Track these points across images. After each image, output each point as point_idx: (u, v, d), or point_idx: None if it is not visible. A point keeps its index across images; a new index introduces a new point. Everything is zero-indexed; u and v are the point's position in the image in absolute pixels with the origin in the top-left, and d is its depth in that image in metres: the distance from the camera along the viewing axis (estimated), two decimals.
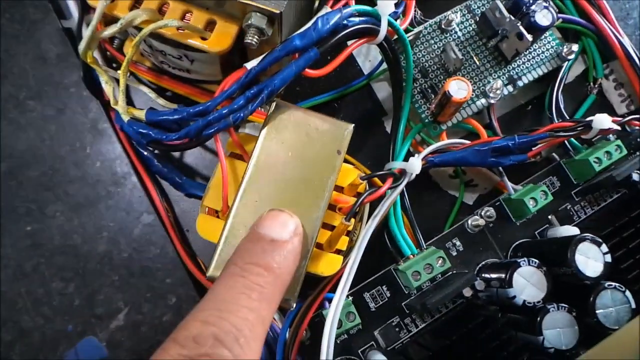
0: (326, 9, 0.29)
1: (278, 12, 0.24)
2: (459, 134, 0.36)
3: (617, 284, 0.26)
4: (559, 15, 0.36)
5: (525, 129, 0.32)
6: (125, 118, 0.26)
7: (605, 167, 0.31)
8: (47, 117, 0.34)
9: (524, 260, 0.26)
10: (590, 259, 0.26)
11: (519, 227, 0.31)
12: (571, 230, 0.29)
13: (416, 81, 0.33)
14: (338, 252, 0.26)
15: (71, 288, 0.32)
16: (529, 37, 0.30)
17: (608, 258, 0.26)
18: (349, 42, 0.27)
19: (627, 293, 0.26)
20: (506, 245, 0.31)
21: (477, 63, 0.34)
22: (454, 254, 0.31)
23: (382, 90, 0.36)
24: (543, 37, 0.35)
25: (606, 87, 0.37)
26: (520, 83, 0.34)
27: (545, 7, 0.31)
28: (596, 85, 0.37)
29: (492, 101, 0.33)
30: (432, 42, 0.34)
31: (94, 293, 0.32)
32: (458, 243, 0.31)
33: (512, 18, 0.31)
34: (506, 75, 0.34)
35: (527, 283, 0.26)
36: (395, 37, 0.30)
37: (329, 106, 0.36)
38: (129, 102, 0.34)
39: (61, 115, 0.34)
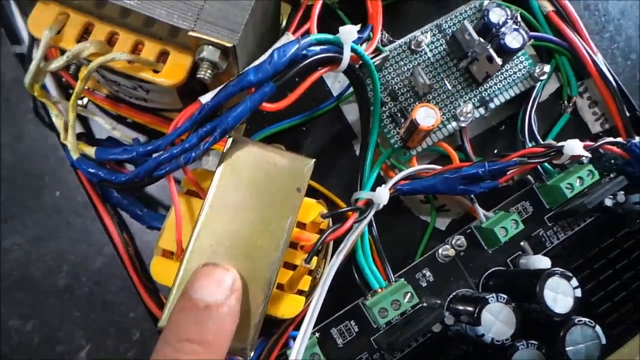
0: (287, 36, 0.28)
1: (231, 45, 0.23)
2: (431, 157, 0.35)
3: (587, 320, 0.25)
4: (531, 34, 0.35)
5: (496, 154, 0.31)
6: (75, 155, 0.25)
7: (578, 192, 0.30)
8: (4, 144, 0.32)
9: (492, 297, 0.26)
10: (560, 294, 0.25)
11: (491, 255, 0.31)
12: (542, 261, 0.29)
13: (385, 105, 0.32)
14: (300, 292, 0.26)
15: (30, 326, 0.31)
16: (499, 61, 0.30)
17: (578, 293, 0.25)
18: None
19: (597, 328, 0.25)
20: (478, 273, 0.30)
21: (448, 85, 0.33)
22: (424, 285, 0.30)
23: (352, 112, 0.35)
24: (515, 57, 0.34)
25: (580, 105, 0.37)
26: (492, 105, 0.33)
27: (516, 30, 0.30)
28: (570, 104, 0.36)
29: (463, 124, 0.32)
30: (402, 63, 0.33)
31: (54, 330, 0.31)
32: (428, 273, 0.30)
33: (482, 40, 0.30)
34: (477, 97, 0.33)
35: (496, 320, 0.25)
36: (361, 62, 0.29)
37: (297, 130, 0.34)
38: (89, 131, 0.32)
39: (18, 142, 0.33)
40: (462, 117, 0.32)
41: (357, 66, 0.28)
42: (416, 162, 0.32)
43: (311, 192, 0.33)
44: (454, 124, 0.32)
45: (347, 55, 0.26)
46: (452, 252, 0.30)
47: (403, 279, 0.29)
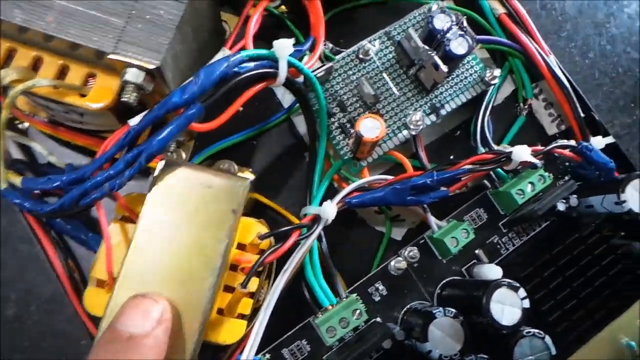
0: (223, 52, 0.27)
1: (154, 67, 0.22)
2: (385, 167, 0.34)
3: (536, 331, 0.25)
4: (482, 37, 0.35)
5: (451, 161, 0.30)
6: (3, 185, 0.24)
7: (530, 198, 0.30)
8: None
9: (440, 311, 0.25)
10: (507, 306, 0.25)
11: (445, 265, 0.30)
12: (493, 270, 0.28)
13: (334, 115, 0.32)
14: (242, 316, 0.25)
15: None
16: (444, 68, 0.29)
17: (526, 303, 0.25)
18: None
19: (547, 339, 0.25)
20: (433, 284, 0.30)
21: (397, 93, 0.32)
22: (378, 299, 0.29)
23: (304, 124, 0.34)
24: (466, 61, 0.33)
25: (536, 107, 0.36)
26: (443, 112, 0.32)
27: (461, 35, 0.30)
28: (526, 106, 0.36)
29: (414, 133, 0.32)
30: (350, 73, 0.32)
31: None
32: (381, 287, 0.29)
33: (427, 48, 0.30)
34: (428, 104, 0.32)
35: (444, 336, 0.25)
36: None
37: (247, 145, 0.34)
38: (32, 157, 0.32)
39: None
40: (412, 126, 0.31)
41: (299, 79, 0.28)
42: (368, 172, 0.32)
43: (262, 209, 0.32)
44: (405, 132, 0.32)
45: (283, 70, 0.25)
46: (404, 265, 0.29)
47: (355, 295, 0.29)
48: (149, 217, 0.23)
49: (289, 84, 0.27)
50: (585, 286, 0.26)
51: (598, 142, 0.33)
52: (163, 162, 0.24)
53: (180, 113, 0.22)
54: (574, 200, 0.30)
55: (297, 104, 0.34)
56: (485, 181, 0.33)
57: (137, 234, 0.23)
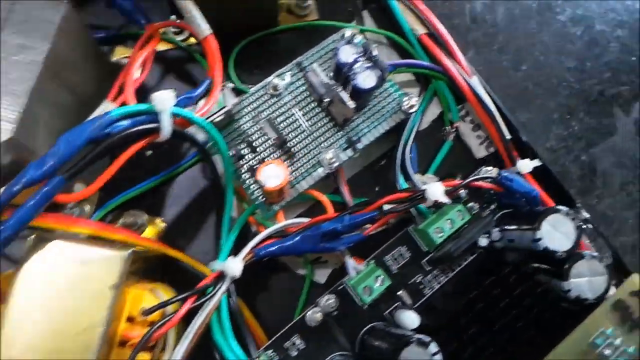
0: (105, 106, 0.25)
1: (6, 138, 0.20)
2: (306, 205, 0.32)
3: None
4: (401, 62, 0.33)
5: (361, 204, 0.28)
6: None
7: (450, 235, 0.28)
8: None
9: None
10: None
11: (366, 311, 0.29)
12: (410, 318, 0.27)
13: (243, 158, 0.30)
14: None
15: None
16: (351, 104, 0.27)
17: (438, 359, 0.23)
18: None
19: None
20: (355, 333, 0.28)
21: (309, 130, 0.30)
22: (295, 353, 0.28)
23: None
24: (383, 90, 0.32)
25: (463, 130, 0.35)
26: (359, 145, 0.31)
27: (369, 67, 0.28)
28: (452, 129, 0.34)
29: (329, 171, 0.30)
30: (261, 109, 0.30)
31: None
32: (299, 341, 0.28)
33: (332, 83, 0.28)
34: (344, 139, 0.31)
35: None
36: None
37: (159, 192, 0.32)
38: None
39: None
40: (326, 164, 0.30)
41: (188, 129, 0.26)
42: (283, 216, 0.30)
43: (170, 263, 0.30)
44: (320, 170, 0.30)
45: (166, 124, 0.23)
46: (321, 315, 0.28)
47: (270, 351, 0.27)
48: (19, 298, 0.21)
49: (180, 136, 0.25)
50: (503, 332, 0.25)
51: (525, 166, 0.32)
52: (32, 237, 0.22)
53: (39, 188, 0.20)
54: (496, 234, 0.29)
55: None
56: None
57: (6, 316, 0.21)
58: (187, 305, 0.24)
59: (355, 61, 0.28)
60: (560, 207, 0.26)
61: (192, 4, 0.25)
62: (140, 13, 0.27)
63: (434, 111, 0.35)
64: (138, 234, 0.29)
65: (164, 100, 0.23)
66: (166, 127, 0.23)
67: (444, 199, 0.26)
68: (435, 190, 0.27)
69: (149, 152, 0.32)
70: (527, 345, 0.25)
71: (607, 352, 0.21)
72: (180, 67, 0.33)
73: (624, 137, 0.40)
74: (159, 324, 0.23)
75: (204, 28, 0.26)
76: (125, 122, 0.22)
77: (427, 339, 0.24)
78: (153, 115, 0.23)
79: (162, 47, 0.32)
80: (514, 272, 0.26)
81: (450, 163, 0.35)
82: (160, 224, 0.31)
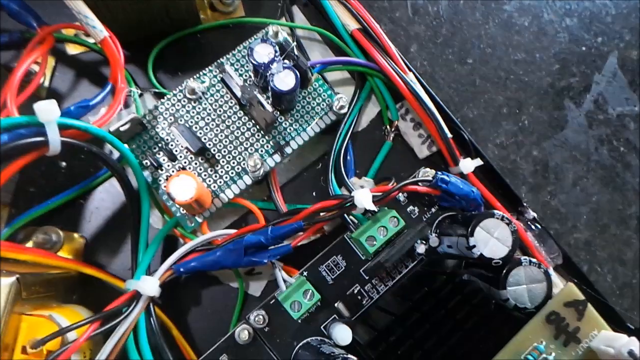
0: None
1: None
2: (237, 214, 0.30)
3: None
4: (332, 59, 0.31)
5: (288, 212, 0.27)
6: None
7: (384, 242, 0.27)
8: None
9: None
10: None
11: (300, 325, 0.27)
12: (342, 333, 0.25)
13: (161, 167, 0.28)
14: None
15: None
16: (269, 107, 0.25)
17: None
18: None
19: None
20: (288, 349, 0.26)
21: (233, 135, 0.28)
22: None
23: None
24: (312, 90, 0.30)
25: (404, 128, 0.33)
26: (288, 150, 0.29)
27: (287, 67, 0.26)
28: (392, 129, 0.33)
29: (254, 179, 0.28)
30: (180, 114, 0.28)
31: None
32: None
33: (247, 85, 0.26)
34: (271, 143, 0.29)
35: None
36: None
37: (76, 206, 0.29)
38: None
39: None
40: (251, 171, 0.28)
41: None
42: (207, 228, 0.28)
43: (89, 282, 0.28)
44: (246, 177, 0.28)
45: (53, 135, 0.21)
46: (248, 333, 0.26)
47: None
48: None
49: (78, 148, 0.23)
50: (438, 346, 0.23)
51: (467, 166, 0.31)
52: None
53: None
54: (434, 239, 0.27)
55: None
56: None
57: None
58: (89, 331, 0.21)
59: (272, 61, 0.26)
60: (494, 211, 0.24)
61: (82, 5, 0.23)
62: (31, 15, 0.25)
63: (373, 110, 0.33)
64: (52, 253, 0.27)
65: (48, 110, 0.21)
66: (53, 139, 0.21)
67: (371, 207, 0.25)
68: (363, 197, 0.25)
69: (64, 164, 0.30)
70: (467, 356, 0.23)
71: None
72: (95, 71, 0.30)
73: (575, 130, 0.38)
74: (56, 353, 0.20)
75: (99, 29, 0.23)
76: (3, 137, 0.20)
77: (350, 357, 0.22)
78: (39, 128, 0.21)
79: (74, 50, 0.30)
80: (451, 281, 0.24)
81: (392, 164, 0.33)
82: (78, 239, 0.29)
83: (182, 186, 0.24)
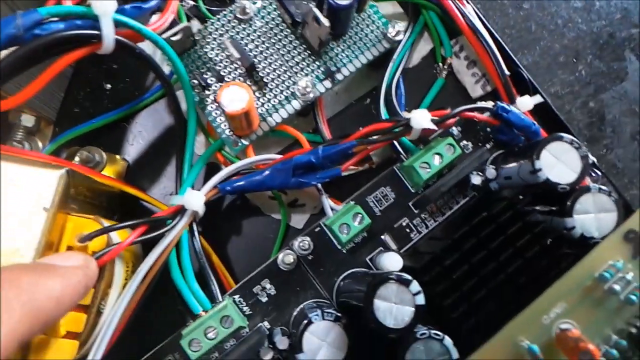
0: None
1: None
2: (284, 143, 0.29)
3: (433, 332, 0.20)
4: None
5: (338, 136, 0.26)
6: None
7: (439, 170, 0.25)
8: None
9: (317, 315, 0.21)
10: (395, 304, 0.20)
11: (346, 256, 0.26)
12: (391, 259, 0.24)
13: (209, 87, 0.27)
14: (74, 335, 0.20)
15: None
16: (326, 22, 0.24)
17: (420, 300, 0.20)
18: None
19: (447, 340, 0.20)
20: (332, 279, 0.25)
21: (285, 58, 0.27)
22: (265, 299, 0.25)
23: None
24: (366, 16, 0.28)
25: (457, 66, 0.31)
26: (339, 76, 0.28)
27: None
28: (445, 66, 0.31)
29: (303, 102, 0.27)
30: (229, 35, 0.27)
31: None
32: (269, 286, 0.25)
33: (304, 1, 0.25)
34: (322, 69, 0.28)
35: (323, 343, 0.21)
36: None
37: (120, 128, 0.29)
38: None
39: None
40: (300, 94, 0.27)
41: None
42: (253, 152, 0.27)
43: (130, 203, 0.27)
44: (294, 102, 0.27)
45: (107, 30, 0.20)
46: (293, 258, 0.25)
47: (237, 296, 0.24)
48: None
49: (129, 50, 0.22)
50: (495, 274, 0.22)
51: (524, 103, 0.29)
52: None
53: None
54: (490, 171, 0.26)
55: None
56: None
57: None
58: (135, 235, 0.21)
59: None
60: (562, 134, 0.23)
61: None
62: None
63: (425, 47, 0.32)
64: (96, 170, 0.27)
65: (105, 3, 0.20)
66: (107, 35, 0.20)
67: (430, 125, 0.23)
68: (421, 117, 0.24)
69: (109, 86, 0.29)
70: (520, 290, 0.22)
71: (616, 287, 0.18)
72: None
73: (636, 83, 0.36)
74: (102, 252, 0.20)
75: None
76: (59, 25, 0.20)
77: (408, 277, 0.21)
78: (93, 21, 0.20)
79: None
80: (509, 209, 0.23)
81: (444, 103, 0.31)
82: (121, 162, 0.28)
83: (236, 97, 0.23)
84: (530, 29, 0.36)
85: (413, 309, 0.20)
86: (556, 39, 0.36)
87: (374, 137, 0.25)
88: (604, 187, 0.22)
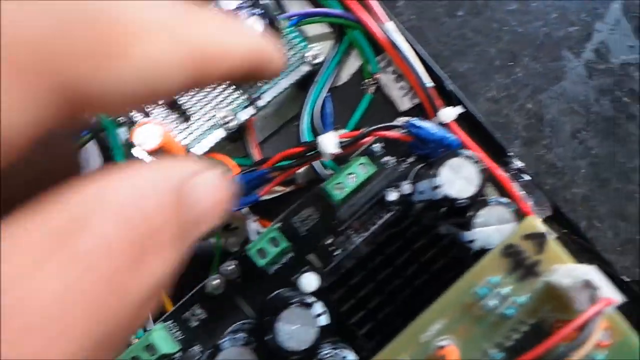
0: None
1: None
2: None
3: (337, 349, 0.21)
4: (304, 12, 0.31)
5: (255, 162, 0.27)
6: None
7: (356, 188, 0.26)
8: None
9: (227, 340, 0.22)
10: (300, 327, 0.21)
11: (272, 277, 0.27)
12: (306, 281, 0.25)
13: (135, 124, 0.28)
14: None
15: None
16: None
17: (323, 321, 0.21)
18: None
19: (348, 354, 0.21)
20: (259, 301, 0.27)
21: (206, 89, 0.28)
22: (195, 324, 0.26)
23: None
24: (286, 42, 0.29)
25: (385, 81, 0.32)
26: (261, 103, 0.29)
27: (253, 14, 0.26)
28: (373, 81, 0.32)
29: (227, 130, 0.28)
30: None
31: None
32: (199, 311, 0.26)
33: None
34: (243, 97, 0.29)
35: None
36: None
37: None
38: None
39: None
40: (223, 124, 0.28)
41: None
42: None
43: None
44: (218, 131, 0.28)
45: None
46: (221, 283, 0.26)
47: (170, 322, 0.26)
48: None
49: None
50: (401, 289, 0.23)
51: (447, 114, 0.30)
52: None
53: None
54: (406, 187, 0.26)
55: None
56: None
57: None
58: None
59: (239, 8, 0.26)
60: (460, 150, 0.23)
61: None
62: None
63: (355, 64, 0.33)
64: None
65: None
66: None
67: (335, 150, 0.24)
68: (327, 141, 0.25)
69: None
70: (427, 305, 0.23)
71: (491, 303, 0.19)
72: None
73: (574, 82, 0.37)
74: None
75: None
76: None
77: (310, 299, 0.22)
78: None
79: None
80: (415, 225, 0.24)
81: (373, 118, 0.32)
82: None
83: (148, 135, 0.24)
84: (465, 35, 0.37)
85: (316, 329, 0.21)
86: (492, 43, 0.37)
87: (288, 162, 0.26)
88: (502, 200, 0.23)
